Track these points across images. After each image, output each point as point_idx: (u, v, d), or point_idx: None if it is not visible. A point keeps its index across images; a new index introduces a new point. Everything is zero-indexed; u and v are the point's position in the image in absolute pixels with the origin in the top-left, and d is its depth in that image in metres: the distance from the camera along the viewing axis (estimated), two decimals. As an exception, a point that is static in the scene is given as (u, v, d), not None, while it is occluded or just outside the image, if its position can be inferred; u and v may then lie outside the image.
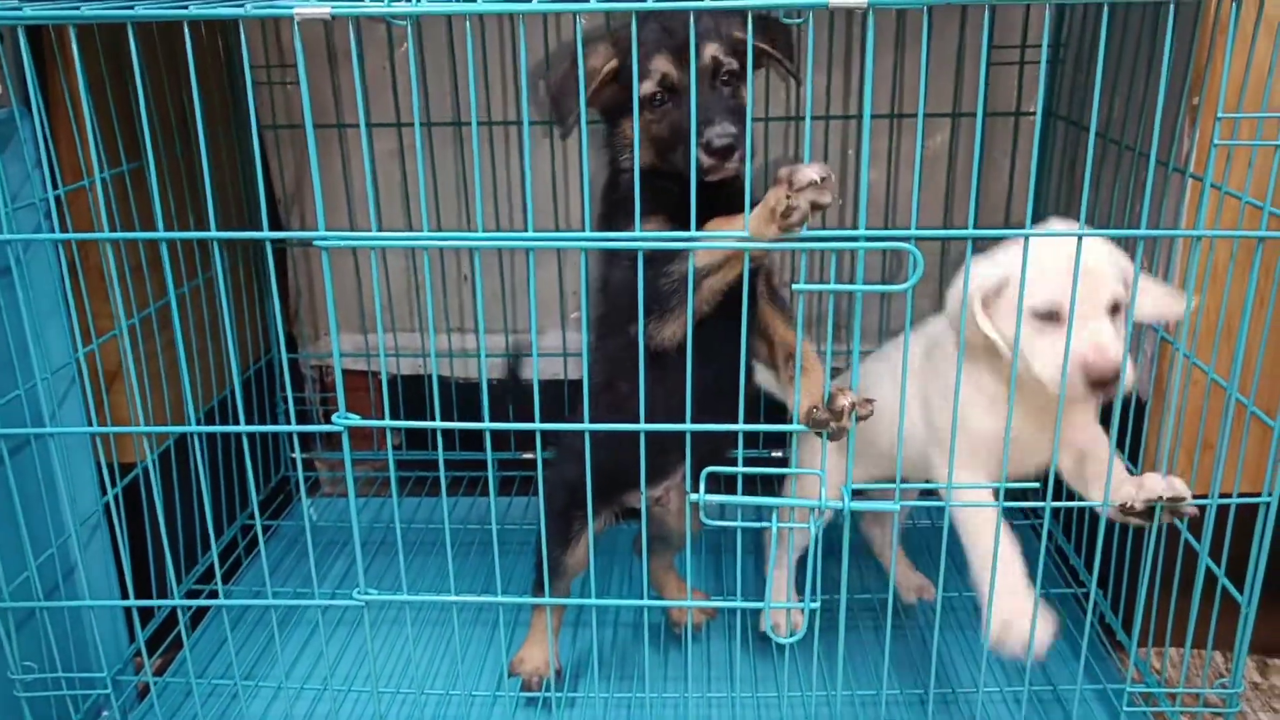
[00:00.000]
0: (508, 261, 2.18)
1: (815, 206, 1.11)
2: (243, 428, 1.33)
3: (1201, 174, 1.28)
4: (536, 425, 1.29)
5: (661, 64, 1.28)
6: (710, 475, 1.24)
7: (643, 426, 1.26)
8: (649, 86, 1.30)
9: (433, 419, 1.30)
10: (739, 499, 1.24)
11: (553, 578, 1.47)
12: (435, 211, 2.15)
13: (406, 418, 2.26)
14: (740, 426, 1.27)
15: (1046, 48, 1.20)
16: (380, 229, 1.19)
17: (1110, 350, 1.21)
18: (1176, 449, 1.46)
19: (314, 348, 2.37)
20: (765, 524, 1.23)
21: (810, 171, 1.10)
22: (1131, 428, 1.56)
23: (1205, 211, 1.25)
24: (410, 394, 2.25)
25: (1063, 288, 1.20)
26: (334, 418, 1.25)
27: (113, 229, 1.45)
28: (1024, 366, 1.25)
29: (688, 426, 1.25)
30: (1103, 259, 1.24)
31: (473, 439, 1.24)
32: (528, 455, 2.20)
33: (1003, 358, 1.28)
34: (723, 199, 1.23)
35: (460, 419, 1.30)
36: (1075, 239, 1.18)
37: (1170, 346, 1.47)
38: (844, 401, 1.20)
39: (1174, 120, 1.48)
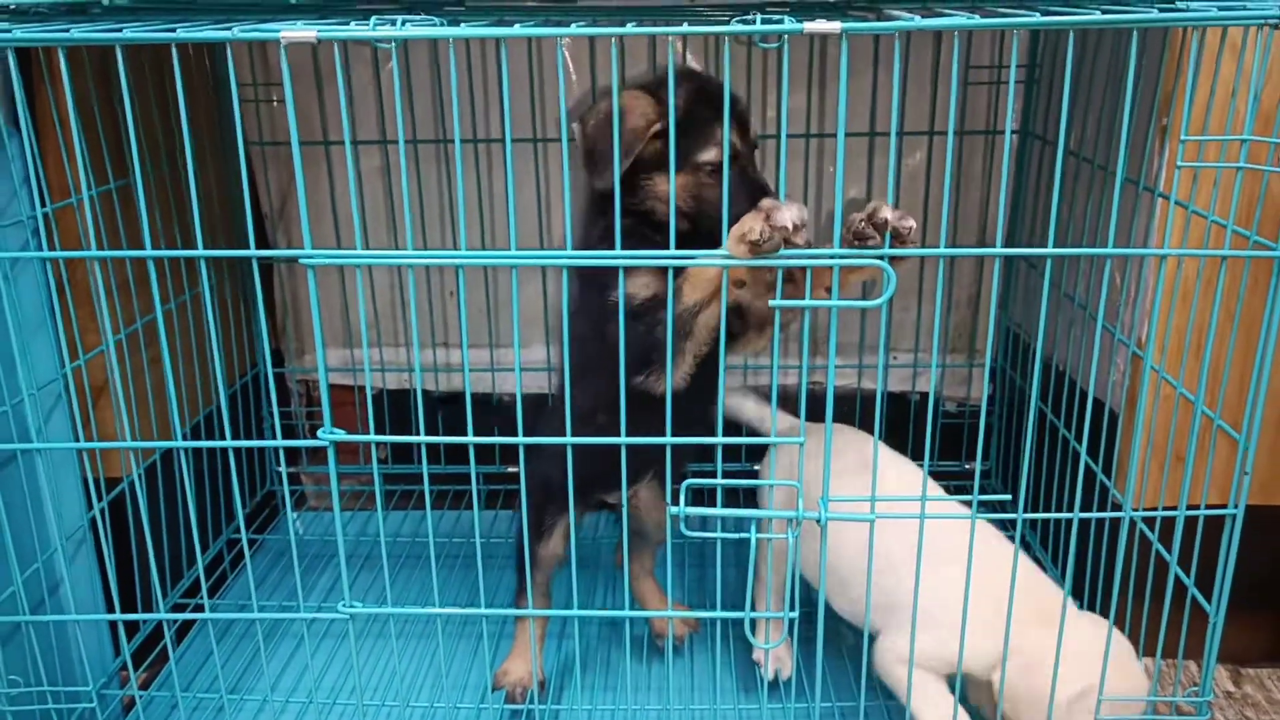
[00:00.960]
0: (492, 278, 2.20)
1: (788, 243, 1.14)
2: (229, 442, 1.34)
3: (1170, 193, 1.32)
4: (520, 439, 1.31)
5: (724, 134, 1.27)
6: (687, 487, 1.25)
7: (624, 440, 1.28)
8: (715, 154, 1.34)
9: (418, 433, 1.32)
10: (717, 511, 1.26)
11: (531, 570, 1.51)
12: (420, 228, 2.17)
13: (392, 432, 2.28)
14: (719, 440, 1.29)
15: (1016, 69, 1.23)
16: (366, 245, 1.21)
17: None
18: (1148, 461, 1.49)
19: (300, 363, 2.38)
20: (744, 534, 1.25)
21: (788, 216, 1.13)
22: (1104, 440, 1.60)
23: (1171, 230, 1.28)
24: (396, 408, 2.27)
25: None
26: (320, 433, 1.26)
27: (100, 246, 1.47)
28: None
29: (668, 440, 1.27)
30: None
31: (458, 453, 1.25)
32: (511, 469, 2.22)
33: None
34: (702, 241, 1.26)
35: (446, 433, 1.32)
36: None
37: (1141, 361, 1.50)
38: (885, 214, 1.14)
39: (1145, 140, 1.52)
